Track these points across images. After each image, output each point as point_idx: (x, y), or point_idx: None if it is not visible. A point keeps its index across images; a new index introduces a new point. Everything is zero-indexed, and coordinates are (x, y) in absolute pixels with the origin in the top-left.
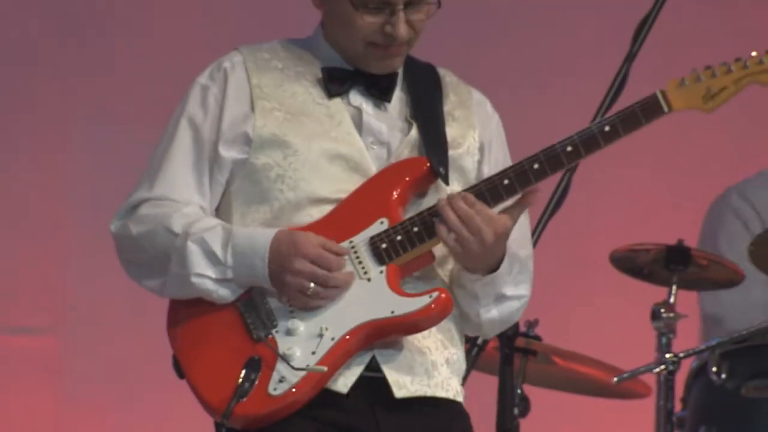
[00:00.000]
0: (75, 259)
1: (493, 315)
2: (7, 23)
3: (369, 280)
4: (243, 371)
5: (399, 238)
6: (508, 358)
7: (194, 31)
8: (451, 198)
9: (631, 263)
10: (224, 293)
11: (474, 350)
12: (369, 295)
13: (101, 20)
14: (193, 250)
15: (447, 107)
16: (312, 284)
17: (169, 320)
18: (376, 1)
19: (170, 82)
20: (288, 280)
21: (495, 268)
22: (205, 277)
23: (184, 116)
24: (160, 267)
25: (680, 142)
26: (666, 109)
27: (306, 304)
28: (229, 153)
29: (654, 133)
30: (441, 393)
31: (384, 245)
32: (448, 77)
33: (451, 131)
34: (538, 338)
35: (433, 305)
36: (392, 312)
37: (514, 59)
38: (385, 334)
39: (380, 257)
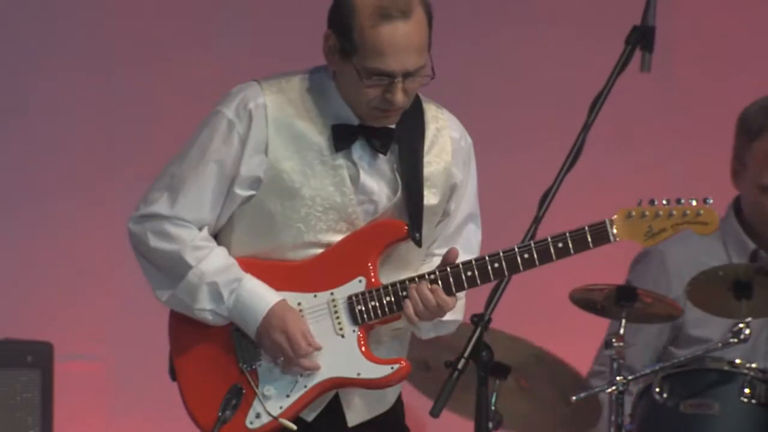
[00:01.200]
0: (122, 298)
1: (431, 335)
2: (58, 91)
3: (343, 336)
4: (226, 396)
5: (373, 304)
6: (484, 380)
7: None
8: (419, 288)
9: (588, 301)
10: (217, 321)
11: (455, 374)
12: (341, 353)
13: (148, 95)
14: (204, 290)
15: (427, 148)
16: (282, 358)
17: (170, 324)
18: (378, 74)
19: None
20: (266, 344)
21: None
22: (206, 310)
23: (213, 146)
24: (169, 281)
25: (630, 196)
26: (612, 238)
27: (275, 365)
28: (242, 192)
29: (607, 190)
30: (384, 408)
31: (360, 307)
32: (430, 112)
33: (427, 170)
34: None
35: (393, 376)
36: (358, 374)
37: (484, 127)
38: (346, 387)
39: (355, 318)
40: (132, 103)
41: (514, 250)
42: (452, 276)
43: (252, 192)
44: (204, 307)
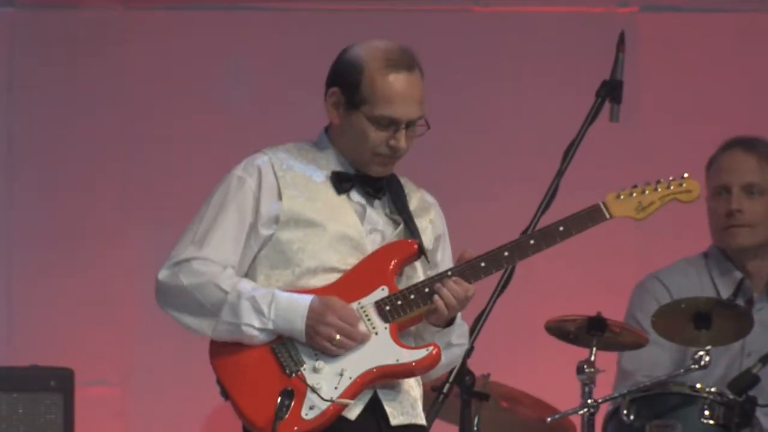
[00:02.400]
0: (139, 328)
1: (441, 361)
2: (79, 139)
3: (376, 333)
4: (279, 398)
5: (399, 302)
6: (467, 403)
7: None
8: (445, 281)
9: (561, 330)
10: (263, 337)
11: (440, 398)
12: (377, 346)
13: (158, 143)
14: (245, 306)
15: (412, 207)
16: (338, 336)
17: (211, 354)
18: (387, 120)
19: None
20: (320, 330)
21: (451, 323)
22: (251, 326)
23: (228, 199)
24: (209, 313)
25: (598, 237)
26: (608, 215)
27: (330, 351)
28: (265, 231)
29: (575, 237)
30: (419, 421)
31: (388, 307)
32: (408, 185)
33: (416, 222)
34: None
35: (428, 357)
36: (397, 360)
37: (463, 173)
38: (388, 377)
39: (385, 317)
40: (146, 150)
41: (520, 240)
42: (468, 268)
43: (272, 231)
44: (250, 322)
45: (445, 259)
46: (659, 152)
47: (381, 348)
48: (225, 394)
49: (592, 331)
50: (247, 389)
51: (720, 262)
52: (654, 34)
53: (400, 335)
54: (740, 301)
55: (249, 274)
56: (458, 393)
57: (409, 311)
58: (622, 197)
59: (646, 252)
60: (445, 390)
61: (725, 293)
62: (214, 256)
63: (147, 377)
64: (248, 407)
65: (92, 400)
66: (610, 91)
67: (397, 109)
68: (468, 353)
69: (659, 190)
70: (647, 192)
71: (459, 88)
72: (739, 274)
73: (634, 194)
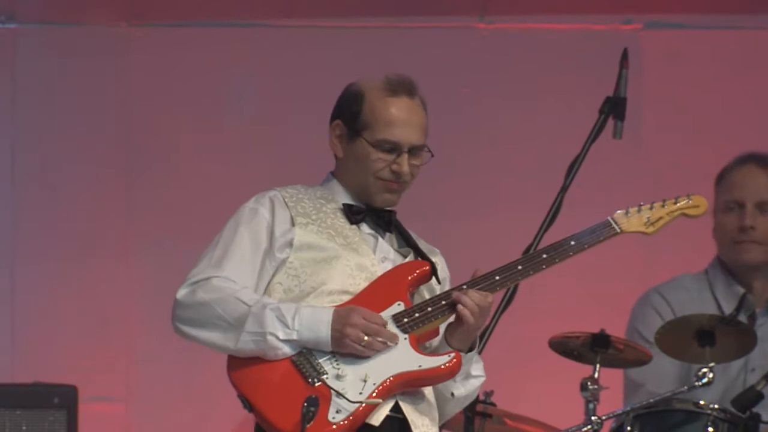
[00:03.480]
0: (142, 344)
1: (461, 392)
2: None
3: (396, 344)
4: (304, 405)
5: (417, 315)
6: (471, 420)
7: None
8: (464, 291)
9: (565, 347)
10: (287, 350)
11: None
12: (399, 354)
13: (161, 158)
14: (270, 316)
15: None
16: (366, 337)
17: (230, 368)
18: (388, 144)
19: (208, 213)
20: (348, 332)
21: (472, 348)
22: (275, 336)
23: (242, 225)
24: (233, 325)
25: (601, 254)
26: (618, 230)
27: (359, 353)
28: (281, 255)
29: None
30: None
31: (406, 320)
32: (412, 232)
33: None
34: (493, 404)
35: (449, 363)
36: (420, 366)
37: (467, 188)
38: (411, 384)
39: (403, 328)
40: (150, 166)
41: (534, 254)
42: (482, 281)
43: (286, 255)
44: (275, 332)
45: None
46: (662, 169)
47: (402, 355)
48: (248, 406)
49: (595, 347)
50: (272, 399)
51: (722, 277)
52: (657, 51)
53: (420, 347)
54: (742, 317)
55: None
56: (462, 410)
57: (427, 323)
58: (629, 214)
59: (649, 269)
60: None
61: (727, 308)
62: (232, 275)
63: (150, 394)
64: (275, 416)
65: (96, 416)
66: (614, 107)
67: (396, 132)
68: None
69: (666, 206)
70: (655, 207)
71: (463, 105)
72: (740, 290)
73: (642, 210)
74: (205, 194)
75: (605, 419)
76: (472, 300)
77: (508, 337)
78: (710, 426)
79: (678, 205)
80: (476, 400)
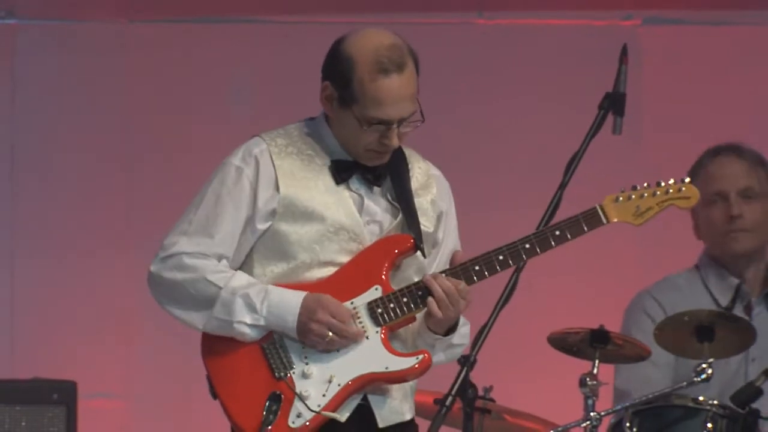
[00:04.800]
0: (141, 340)
1: (441, 358)
2: (82, 150)
3: (367, 338)
4: (267, 403)
5: (392, 305)
6: (469, 415)
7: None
8: (436, 277)
9: (564, 343)
10: (254, 334)
11: (443, 410)
12: (367, 352)
13: (161, 154)
14: (238, 303)
15: (414, 185)
16: (330, 333)
17: (203, 350)
18: (377, 121)
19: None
20: (312, 327)
21: (452, 329)
22: (243, 323)
23: (224, 189)
24: (201, 307)
25: (600, 250)
26: (604, 221)
27: (323, 347)
28: (262, 225)
29: (579, 244)
30: (407, 416)
31: (380, 310)
32: (412, 157)
33: (417, 201)
34: (492, 400)
35: (418, 365)
36: (386, 367)
37: (466, 184)
38: (377, 383)
39: (376, 320)
40: (149, 162)
41: (515, 243)
42: (461, 271)
43: (269, 223)
44: (242, 319)
45: (447, 237)
46: (662, 165)
47: (371, 354)
48: (213, 393)
49: (594, 343)
50: (236, 391)
51: (714, 270)
52: (657, 46)
53: (392, 336)
54: (738, 308)
55: (245, 265)
56: (461, 406)
57: (401, 314)
58: (620, 200)
59: (648, 264)
60: (447, 403)
61: (723, 301)
62: (207, 250)
63: (150, 390)
64: (236, 410)
65: (95, 412)
66: (613, 103)
67: (387, 110)
68: (471, 366)
69: (658, 194)
70: (646, 196)
71: (461, 101)
72: (735, 281)
73: (633, 197)
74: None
75: (604, 415)
76: (441, 287)
77: (507, 333)
78: (709, 422)
79: (669, 194)
80: (475, 396)
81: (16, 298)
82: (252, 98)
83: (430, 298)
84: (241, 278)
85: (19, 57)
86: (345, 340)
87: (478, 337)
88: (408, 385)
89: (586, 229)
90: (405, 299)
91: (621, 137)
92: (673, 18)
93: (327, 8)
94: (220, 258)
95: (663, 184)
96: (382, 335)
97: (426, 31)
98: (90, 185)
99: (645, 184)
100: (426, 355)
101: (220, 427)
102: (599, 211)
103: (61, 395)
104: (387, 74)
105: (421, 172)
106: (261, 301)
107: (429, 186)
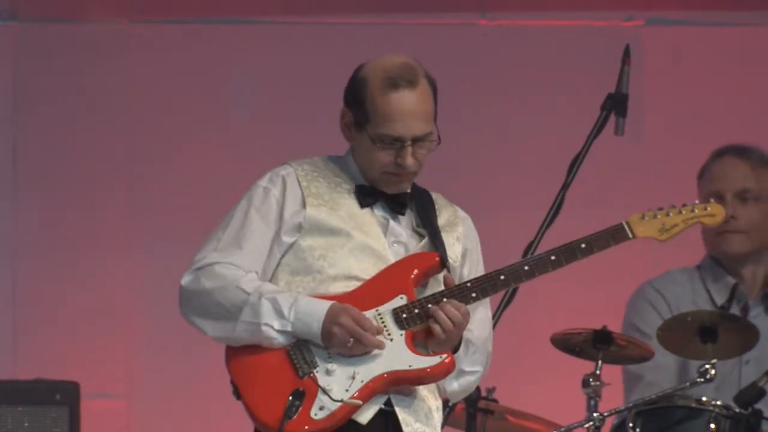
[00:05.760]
0: (144, 339)
1: (455, 387)
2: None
3: (392, 340)
4: (290, 398)
5: (417, 311)
6: (472, 416)
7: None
8: (442, 305)
9: (567, 343)
10: (282, 340)
11: (446, 411)
12: (392, 351)
13: (162, 155)
14: (266, 306)
15: (441, 222)
16: (352, 339)
17: (227, 355)
18: (389, 139)
19: (209, 210)
20: (335, 331)
21: (455, 351)
22: (270, 327)
23: (253, 207)
24: (229, 316)
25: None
26: (631, 236)
27: (344, 352)
28: (288, 238)
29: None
30: (434, 430)
31: (405, 315)
32: (439, 200)
33: (444, 237)
34: (495, 401)
35: (442, 365)
36: (410, 366)
37: (469, 185)
38: (400, 383)
39: (401, 324)
40: (150, 163)
41: (542, 255)
42: (458, 292)
43: (294, 238)
44: (269, 322)
45: (472, 275)
46: (664, 166)
47: (395, 353)
48: (237, 394)
49: (597, 344)
50: (259, 389)
51: (713, 270)
52: (659, 47)
53: (415, 344)
54: (735, 308)
55: (271, 281)
56: (464, 406)
57: (426, 320)
58: (646, 218)
59: (652, 266)
60: (450, 403)
61: (720, 300)
62: (238, 262)
63: (152, 390)
64: (259, 406)
65: (98, 413)
66: (615, 104)
67: (397, 127)
68: None
69: (683, 212)
70: (671, 214)
71: (464, 101)
72: (731, 281)
73: (659, 216)
74: (207, 191)
75: (607, 416)
76: (446, 315)
77: (510, 334)
78: (712, 423)
79: (695, 212)
80: (478, 397)
81: (18, 298)
82: (252, 99)
83: (433, 323)
84: (269, 286)
85: (20, 58)
86: (365, 347)
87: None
88: (434, 404)
89: (612, 243)
90: (429, 306)
91: (623, 138)
92: (675, 19)
93: (328, 9)
94: (248, 271)
95: (688, 204)
96: (407, 337)
97: (428, 32)
98: (91, 186)
99: (671, 205)
100: (449, 355)
101: (221, 426)
102: (626, 226)
103: (63, 396)
104: (396, 89)
105: (449, 213)
106: (289, 307)
107: (455, 224)
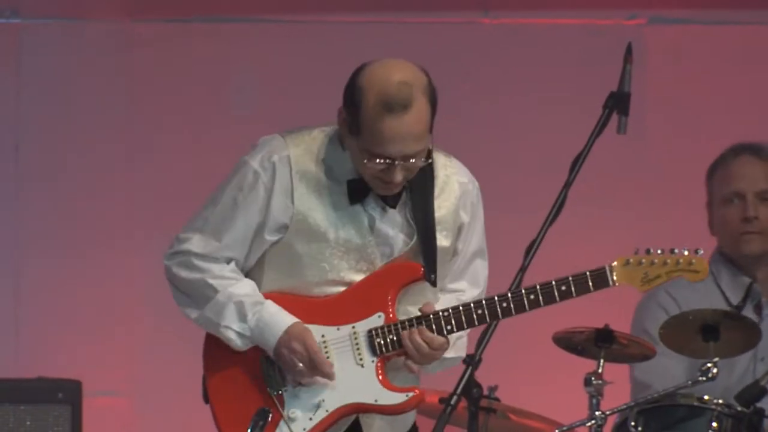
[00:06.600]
0: (146, 339)
1: (436, 370)
2: (86, 149)
3: (362, 366)
4: (254, 418)
5: (391, 337)
6: (474, 415)
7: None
8: (411, 335)
9: (569, 342)
10: (240, 343)
11: (448, 409)
12: (360, 380)
13: (165, 153)
14: (231, 308)
15: (438, 202)
16: (301, 364)
17: (204, 350)
18: (380, 157)
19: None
20: (284, 355)
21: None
22: (230, 329)
23: (241, 194)
24: (197, 306)
25: (604, 249)
26: (611, 282)
27: (294, 378)
28: (271, 237)
29: (583, 244)
30: (404, 430)
31: (379, 340)
32: (439, 162)
33: (438, 214)
34: (497, 399)
35: (407, 403)
36: (375, 400)
37: None
38: (365, 412)
39: (374, 349)
40: (152, 161)
41: (521, 292)
42: (466, 313)
43: (279, 236)
44: (229, 325)
45: (465, 250)
46: (666, 164)
47: (363, 383)
48: (206, 397)
49: (599, 343)
50: (227, 397)
51: (726, 269)
52: (661, 46)
53: (388, 366)
54: (749, 307)
55: (257, 268)
56: (466, 405)
57: (398, 347)
58: (631, 262)
59: None
60: (452, 402)
61: (734, 299)
62: (216, 252)
63: (155, 388)
64: (224, 418)
65: (100, 411)
66: (618, 103)
67: (388, 148)
68: (476, 365)
69: (668, 263)
70: (656, 263)
71: (466, 100)
72: (746, 280)
73: (643, 262)
74: (209, 189)
75: (609, 414)
76: (412, 344)
77: (512, 333)
78: (714, 421)
79: (679, 265)
80: (480, 395)
81: (20, 297)
82: (254, 97)
83: (405, 356)
84: (243, 287)
85: (23, 56)
86: (311, 377)
87: (483, 336)
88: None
89: (592, 288)
90: (405, 332)
91: (625, 136)
92: (677, 17)
93: (330, 7)
94: (229, 261)
95: (676, 252)
96: (378, 365)
97: (431, 30)
98: (94, 184)
99: (659, 251)
100: (417, 392)
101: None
102: (608, 272)
103: (65, 394)
104: (391, 113)
105: (447, 180)
106: (253, 313)
107: (452, 195)
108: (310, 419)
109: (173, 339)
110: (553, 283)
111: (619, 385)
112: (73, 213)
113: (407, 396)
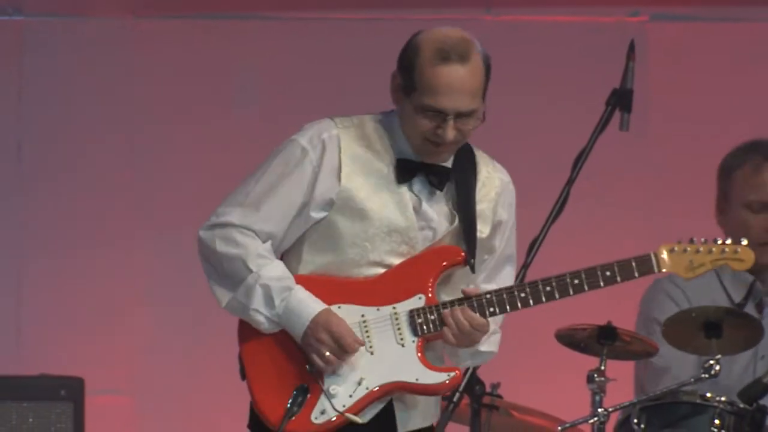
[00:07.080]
0: (148, 337)
1: (468, 364)
2: (88, 147)
3: (403, 345)
4: (293, 394)
5: (432, 318)
6: (477, 412)
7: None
8: (453, 312)
9: (571, 339)
10: (269, 326)
11: (450, 406)
12: (401, 360)
13: (168, 151)
14: (258, 292)
15: (479, 194)
16: (328, 353)
17: (240, 329)
18: (432, 110)
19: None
20: (311, 344)
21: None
22: (259, 312)
23: (284, 172)
24: (230, 284)
25: (608, 246)
26: (656, 269)
27: (320, 367)
28: (316, 214)
29: (587, 241)
30: (426, 423)
31: (420, 320)
32: (483, 168)
33: (479, 207)
34: (500, 396)
35: (448, 382)
36: (416, 379)
37: None
38: (404, 391)
39: (415, 329)
40: (156, 159)
41: (565, 276)
42: (507, 297)
43: (325, 213)
44: (258, 308)
45: (500, 250)
46: (669, 161)
47: (404, 363)
48: (243, 373)
49: (602, 340)
50: (266, 375)
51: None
52: (664, 43)
53: (427, 348)
54: (751, 305)
55: (293, 249)
56: (469, 402)
57: (439, 329)
58: (675, 250)
59: None
60: (455, 399)
61: (736, 296)
62: (255, 225)
63: (157, 386)
64: (262, 395)
65: (102, 409)
66: (620, 99)
67: (441, 100)
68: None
69: (713, 251)
70: (701, 251)
71: None
72: (749, 277)
73: (688, 250)
74: (212, 187)
75: (612, 411)
76: (456, 325)
77: (515, 330)
78: (717, 418)
79: (725, 254)
80: (483, 392)
81: (23, 294)
82: (257, 94)
83: (444, 328)
84: (276, 269)
85: (25, 53)
86: (341, 360)
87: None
88: (434, 397)
89: (636, 274)
90: (444, 311)
91: (628, 133)
92: (680, 14)
93: (333, 4)
94: (267, 237)
95: (720, 242)
96: (419, 345)
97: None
98: (96, 182)
99: (702, 240)
100: (457, 372)
101: (225, 421)
102: (653, 258)
103: (68, 392)
104: (447, 62)
105: (489, 177)
106: (282, 299)
107: (493, 191)
108: (350, 396)
109: (175, 337)
110: (598, 268)
111: (622, 382)
112: (76, 211)
113: (448, 376)
